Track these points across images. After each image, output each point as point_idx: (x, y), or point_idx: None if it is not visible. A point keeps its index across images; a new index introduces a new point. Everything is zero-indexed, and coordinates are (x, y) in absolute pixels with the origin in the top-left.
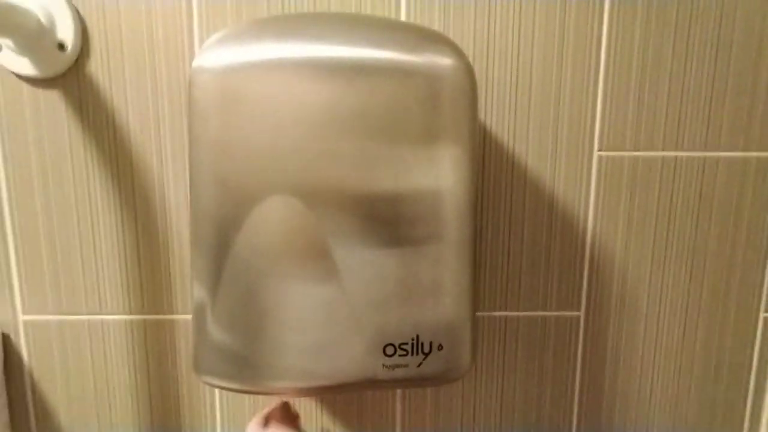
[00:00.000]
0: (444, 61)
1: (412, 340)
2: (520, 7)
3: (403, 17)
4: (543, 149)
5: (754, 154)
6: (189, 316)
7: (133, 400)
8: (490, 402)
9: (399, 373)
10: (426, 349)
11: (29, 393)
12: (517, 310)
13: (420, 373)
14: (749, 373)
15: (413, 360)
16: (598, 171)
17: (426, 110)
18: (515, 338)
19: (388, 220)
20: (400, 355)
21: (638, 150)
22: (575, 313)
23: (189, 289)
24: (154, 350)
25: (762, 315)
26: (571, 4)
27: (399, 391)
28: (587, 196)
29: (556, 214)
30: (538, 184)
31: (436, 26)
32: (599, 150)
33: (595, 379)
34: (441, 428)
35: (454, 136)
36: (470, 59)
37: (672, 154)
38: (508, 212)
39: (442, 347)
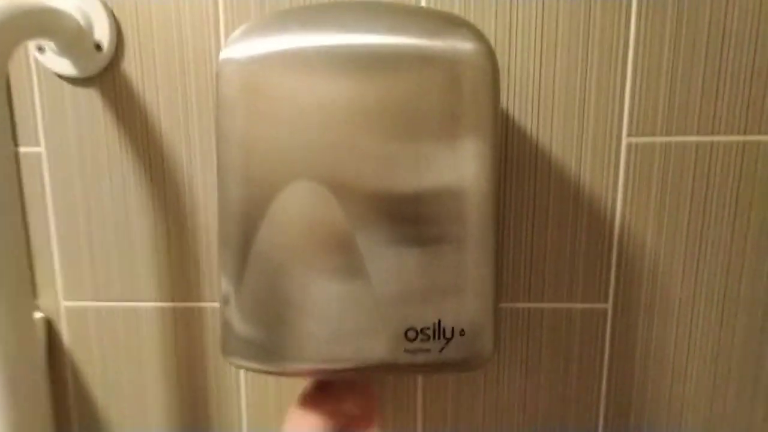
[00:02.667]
0: (465, 45)
1: (434, 325)
2: None
3: (423, 2)
4: (568, 135)
5: None
6: (216, 304)
7: (163, 381)
8: (513, 397)
9: (420, 357)
10: (448, 335)
11: (69, 374)
12: (542, 302)
13: (442, 358)
14: None
15: (435, 345)
16: (627, 158)
17: (448, 95)
18: (540, 330)
19: (411, 210)
20: (422, 340)
21: (671, 135)
22: (603, 306)
23: (216, 277)
24: (183, 335)
25: None
26: None
27: (420, 386)
28: (615, 183)
29: (582, 202)
30: (563, 172)
31: (457, 11)
32: (628, 135)
33: (623, 375)
34: (462, 423)
35: (476, 122)
36: (492, 43)
37: (708, 138)
38: (533, 201)
39: (464, 333)
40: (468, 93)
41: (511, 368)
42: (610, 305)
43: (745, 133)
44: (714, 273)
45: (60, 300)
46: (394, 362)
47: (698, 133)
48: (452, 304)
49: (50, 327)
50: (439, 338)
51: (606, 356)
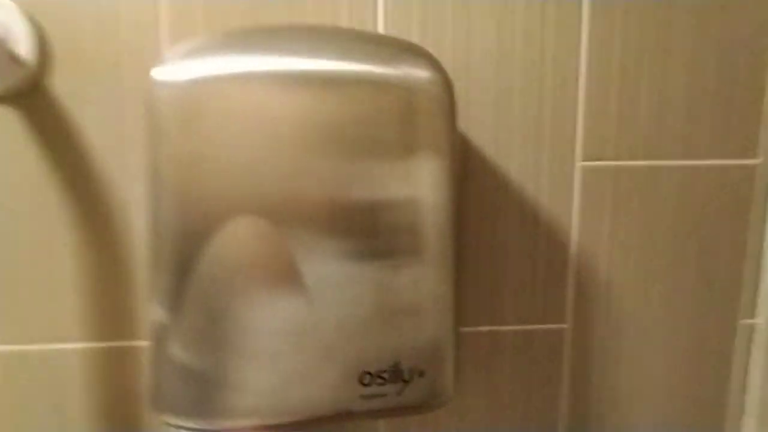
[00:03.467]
0: (420, 73)
1: (391, 367)
2: (500, 18)
3: (380, 30)
4: (525, 160)
5: (733, 162)
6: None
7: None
8: (477, 418)
9: (377, 403)
10: (406, 377)
11: None
12: (504, 325)
13: (400, 402)
14: (728, 380)
15: (392, 389)
16: (582, 181)
17: (402, 124)
18: (502, 353)
19: (364, 237)
20: (378, 384)
21: (620, 159)
22: (562, 326)
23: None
24: (114, 379)
25: (739, 322)
26: (551, 17)
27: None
28: (570, 206)
29: (540, 224)
30: (522, 195)
31: (415, 39)
32: (582, 160)
33: (583, 391)
34: None
35: (432, 149)
36: (450, 71)
37: (654, 163)
38: (492, 225)
39: (423, 374)
40: (422, 121)
41: (474, 388)
42: (568, 324)
43: (685, 158)
44: (663, 289)
45: None
46: (348, 411)
47: (646, 157)
48: (409, 337)
49: None
50: (396, 381)
51: (565, 374)
